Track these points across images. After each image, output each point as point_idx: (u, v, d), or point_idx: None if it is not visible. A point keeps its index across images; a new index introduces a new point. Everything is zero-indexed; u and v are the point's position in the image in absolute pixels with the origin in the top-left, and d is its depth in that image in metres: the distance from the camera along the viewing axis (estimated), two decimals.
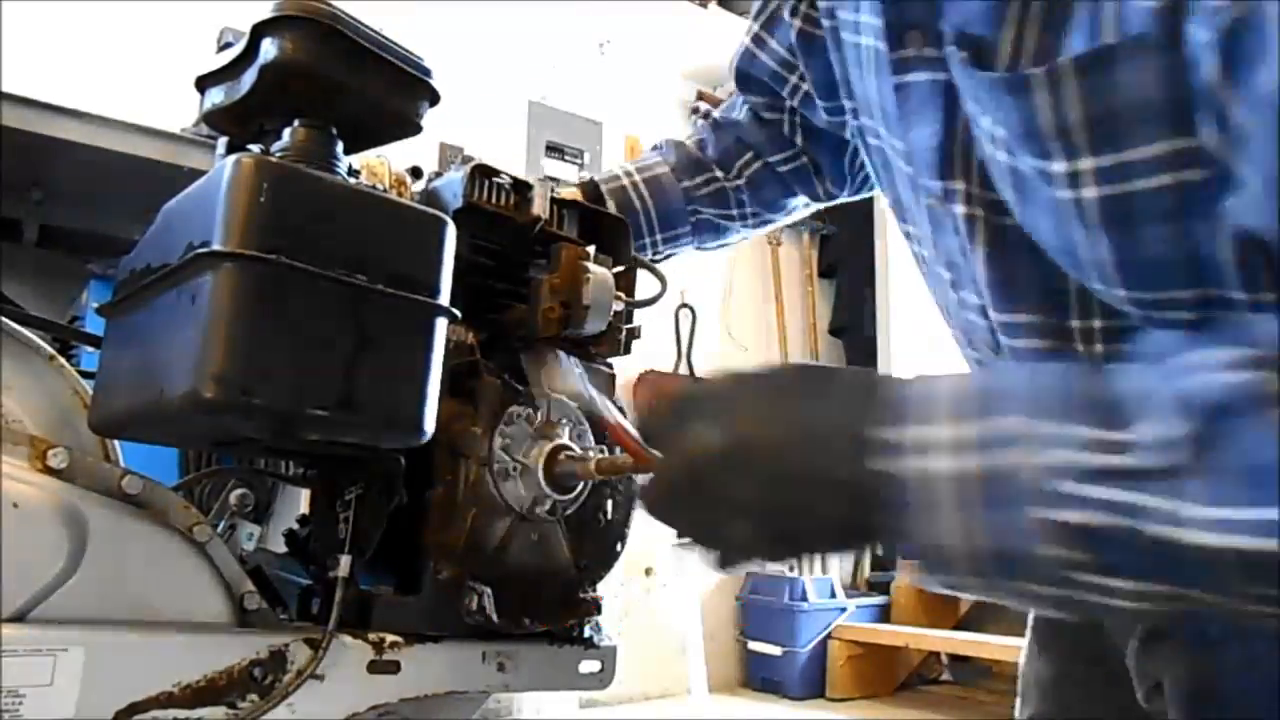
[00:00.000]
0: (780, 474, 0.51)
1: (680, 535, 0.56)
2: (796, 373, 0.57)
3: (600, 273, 0.79)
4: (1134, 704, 0.66)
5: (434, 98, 0.76)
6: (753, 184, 1.02)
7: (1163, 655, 0.64)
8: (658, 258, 1.02)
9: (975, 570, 0.47)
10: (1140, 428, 0.43)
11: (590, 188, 0.98)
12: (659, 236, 1.02)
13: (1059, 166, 0.53)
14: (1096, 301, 0.59)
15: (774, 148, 1.01)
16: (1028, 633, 0.84)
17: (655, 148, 1.06)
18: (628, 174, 1.01)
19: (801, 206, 1.06)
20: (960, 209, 0.63)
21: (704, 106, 1.09)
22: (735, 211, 1.03)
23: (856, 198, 1.05)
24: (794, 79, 0.95)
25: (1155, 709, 0.64)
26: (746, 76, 0.99)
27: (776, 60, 0.95)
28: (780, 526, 0.52)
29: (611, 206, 0.96)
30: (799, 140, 1.00)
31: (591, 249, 0.81)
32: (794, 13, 0.87)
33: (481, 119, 3.11)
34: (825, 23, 0.76)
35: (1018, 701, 0.83)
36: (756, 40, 0.97)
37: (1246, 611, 0.45)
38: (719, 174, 1.01)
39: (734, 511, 0.52)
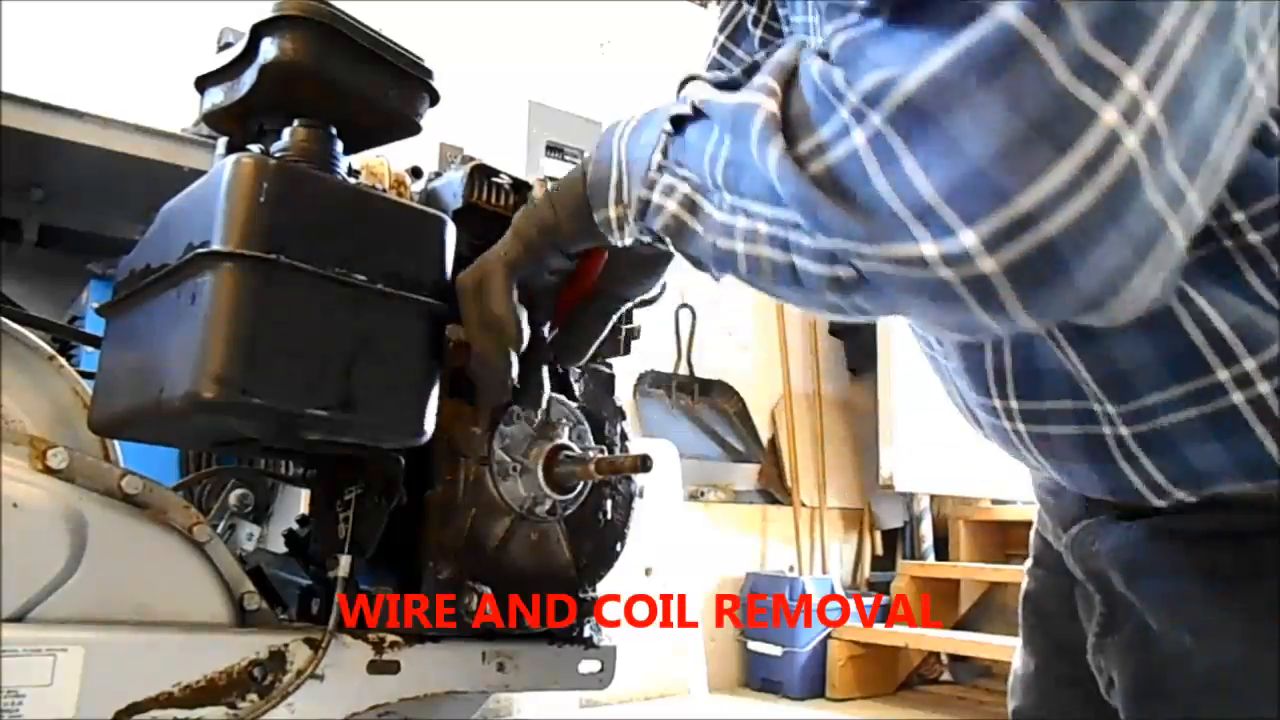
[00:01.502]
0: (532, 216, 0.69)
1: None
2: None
3: None
4: (1103, 703, 0.67)
5: (434, 98, 0.76)
6: None
7: (1111, 651, 0.65)
8: None
9: (618, 191, 0.62)
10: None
11: None
12: None
13: None
14: None
15: None
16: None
17: None
18: None
19: None
20: None
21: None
22: None
23: None
24: None
25: (1114, 704, 0.65)
26: None
27: (742, 69, 0.98)
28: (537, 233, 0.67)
29: None
30: None
31: None
32: (755, 23, 0.89)
33: (481, 119, 3.11)
34: (785, 29, 0.78)
35: (1008, 697, 0.84)
36: (724, 50, 0.99)
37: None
38: None
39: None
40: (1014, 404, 0.62)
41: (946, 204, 0.40)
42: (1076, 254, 0.39)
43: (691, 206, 0.56)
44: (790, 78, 0.51)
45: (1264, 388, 0.52)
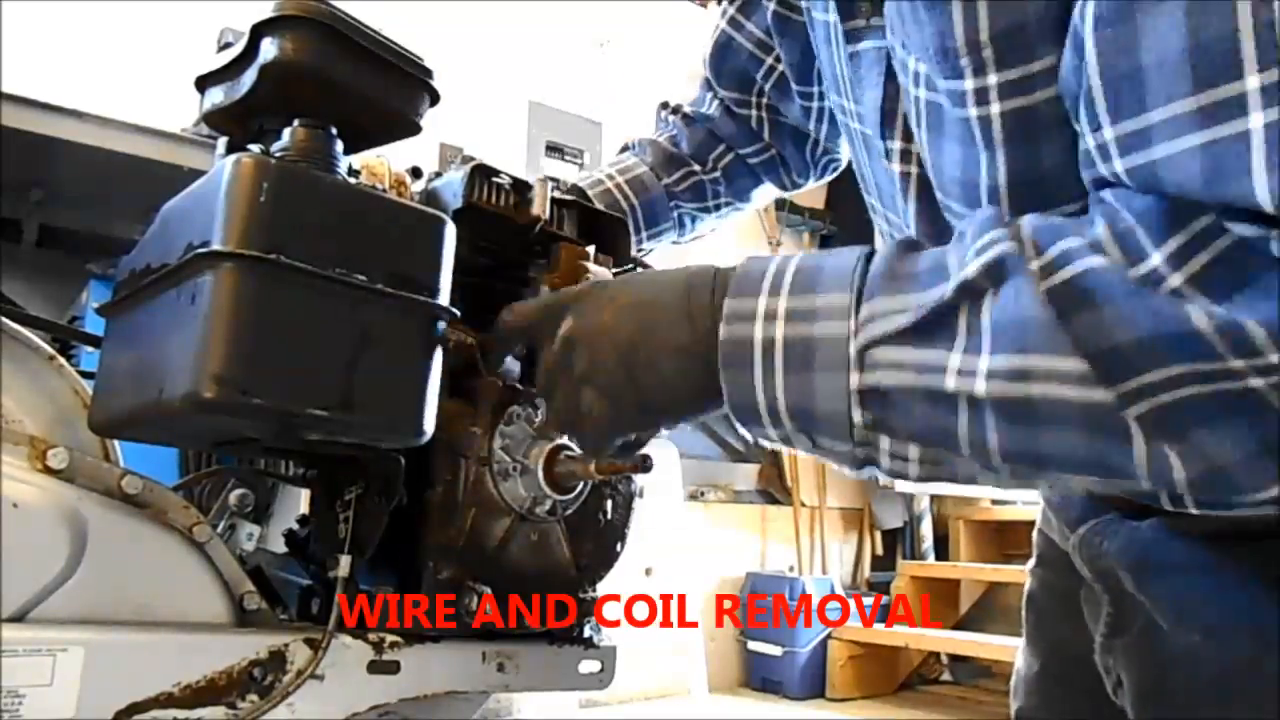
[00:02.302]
0: (627, 342, 0.59)
1: (555, 416, 0.66)
2: (644, 274, 0.66)
3: (600, 272, 0.79)
4: (1107, 704, 0.67)
5: (434, 98, 0.76)
6: (726, 175, 1.06)
7: (1119, 651, 0.65)
8: (641, 252, 1.05)
9: (776, 424, 0.54)
10: (922, 295, 0.50)
11: (576, 194, 1.00)
12: (644, 234, 1.06)
13: (969, 84, 0.56)
14: None
15: (744, 140, 1.06)
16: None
17: (627, 148, 1.09)
18: (610, 177, 1.04)
19: (766, 195, 1.11)
20: (897, 167, 0.68)
21: (672, 101, 1.11)
22: (711, 203, 1.08)
23: (820, 182, 1.10)
24: (770, 60, 0.98)
25: (1123, 704, 0.65)
26: (719, 68, 1.01)
27: (753, 42, 0.98)
28: (628, 392, 0.60)
29: None
30: (766, 134, 1.05)
31: (591, 249, 0.81)
32: None
33: (481, 119, 3.11)
34: (803, 3, 0.78)
35: (1010, 697, 0.84)
36: (733, 23, 0.99)
37: (1006, 478, 0.50)
38: (695, 167, 1.05)
39: (592, 385, 0.60)
40: None
41: None
42: None
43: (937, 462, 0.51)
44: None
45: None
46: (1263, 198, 0.40)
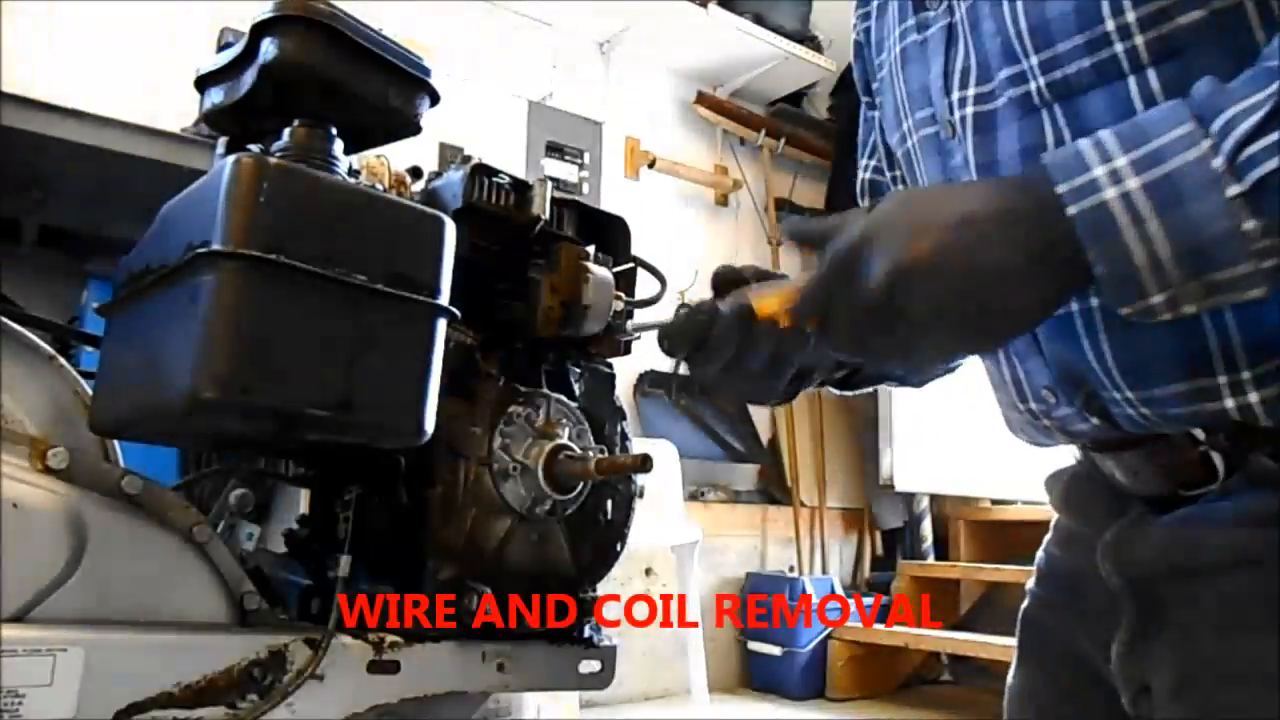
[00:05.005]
0: (963, 270, 0.52)
1: (872, 358, 0.70)
2: (923, 194, 0.60)
3: (600, 273, 0.79)
4: (1107, 712, 0.67)
5: (434, 98, 0.76)
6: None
7: (1151, 655, 0.64)
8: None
9: (1160, 282, 0.49)
10: (1270, 85, 0.48)
11: None
12: None
13: None
14: None
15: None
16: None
17: None
18: None
19: None
20: (968, 110, 0.68)
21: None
22: None
23: None
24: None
25: (1142, 714, 0.65)
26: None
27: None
28: (973, 321, 0.53)
29: None
30: None
31: (591, 249, 0.81)
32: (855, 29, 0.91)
33: (481, 119, 3.11)
34: (876, 36, 0.80)
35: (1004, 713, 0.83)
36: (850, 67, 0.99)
37: None
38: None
39: (938, 323, 0.53)
40: None
41: None
42: None
43: None
44: None
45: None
46: None
